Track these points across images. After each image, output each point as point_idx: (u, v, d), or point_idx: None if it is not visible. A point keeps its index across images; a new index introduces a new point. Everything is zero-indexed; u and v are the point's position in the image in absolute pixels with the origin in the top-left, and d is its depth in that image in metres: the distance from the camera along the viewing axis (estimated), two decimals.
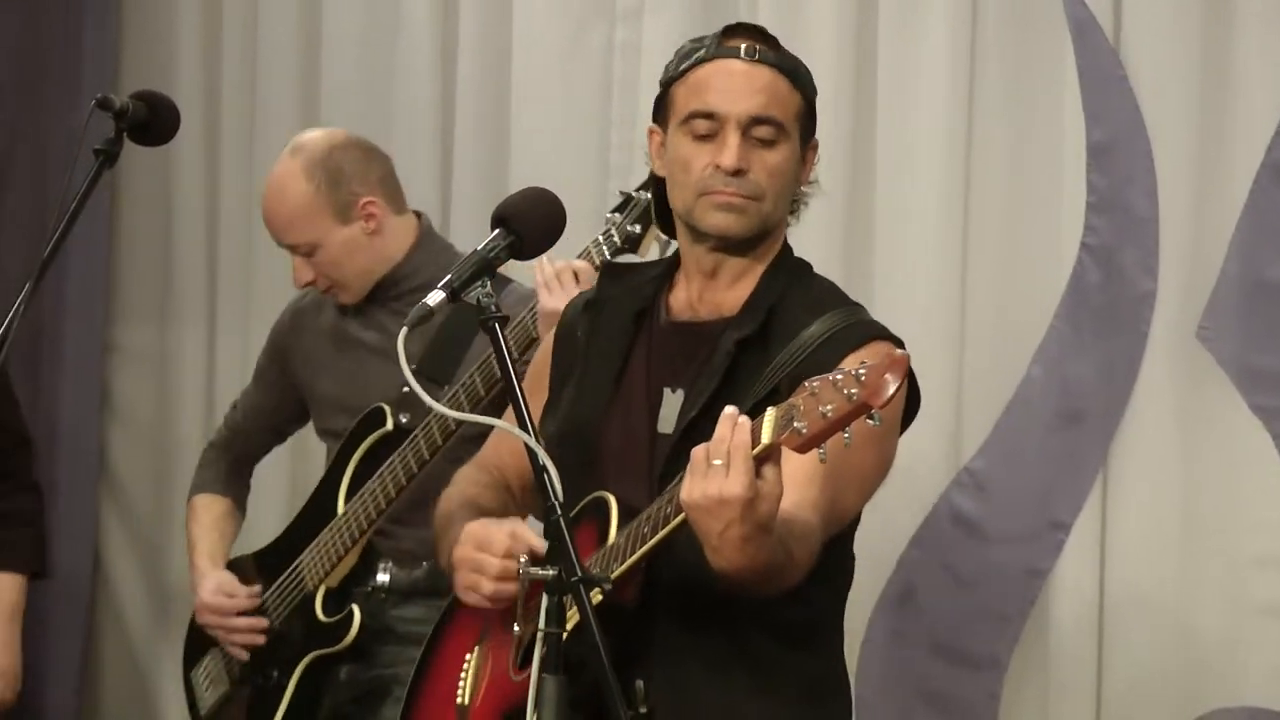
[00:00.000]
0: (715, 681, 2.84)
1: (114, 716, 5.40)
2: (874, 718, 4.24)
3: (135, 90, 3.03)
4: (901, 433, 2.91)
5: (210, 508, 4.17)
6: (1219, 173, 4.02)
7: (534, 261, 3.07)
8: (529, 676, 2.56)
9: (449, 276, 2.66)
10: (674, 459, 2.81)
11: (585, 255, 3.51)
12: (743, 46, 2.90)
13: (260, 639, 3.98)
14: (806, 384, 2.50)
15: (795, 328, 2.87)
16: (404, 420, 3.80)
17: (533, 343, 3.51)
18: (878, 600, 4.26)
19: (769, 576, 2.66)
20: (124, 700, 5.39)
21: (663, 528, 2.68)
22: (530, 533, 2.84)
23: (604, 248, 3.50)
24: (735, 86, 2.87)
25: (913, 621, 4.27)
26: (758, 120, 2.87)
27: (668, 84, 2.94)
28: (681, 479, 2.61)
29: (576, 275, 3.45)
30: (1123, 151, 4.08)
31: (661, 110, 2.96)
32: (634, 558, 2.72)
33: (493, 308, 2.64)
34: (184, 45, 5.22)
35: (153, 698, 5.32)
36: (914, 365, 2.62)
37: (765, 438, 2.53)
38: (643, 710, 2.82)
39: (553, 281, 3.46)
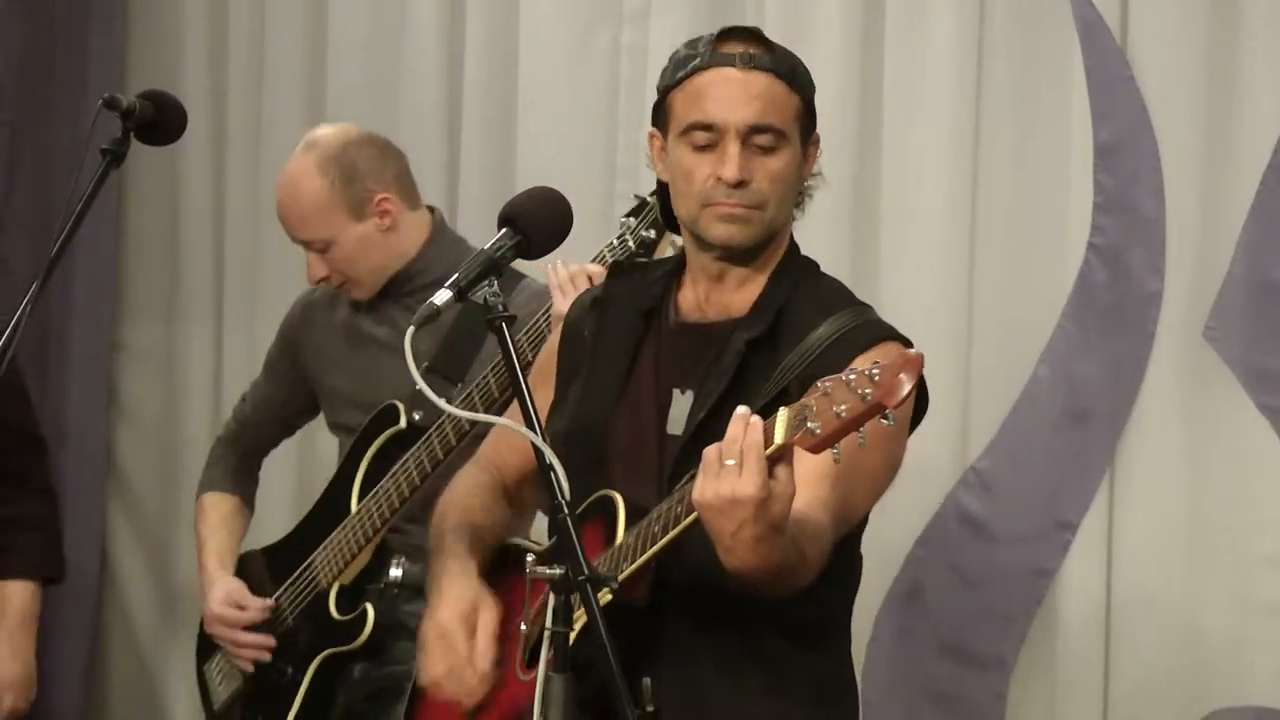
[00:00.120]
0: (727, 681, 2.84)
1: (121, 716, 5.40)
2: (881, 717, 4.24)
3: (141, 90, 3.03)
4: (910, 433, 2.91)
5: (218, 506, 4.17)
6: (1226, 173, 4.02)
7: (547, 264, 3.07)
8: (536, 676, 2.56)
9: (456, 276, 2.66)
10: (683, 460, 2.81)
11: (600, 259, 3.50)
12: (738, 53, 2.87)
13: (266, 655, 3.98)
14: (819, 384, 2.50)
15: (804, 328, 2.86)
16: (417, 418, 3.80)
17: (545, 343, 3.51)
18: (884, 599, 4.26)
19: (781, 576, 2.66)
20: (131, 700, 5.39)
21: (673, 527, 2.68)
22: None
23: (619, 252, 3.50)
24: (732, 96, 2.86)
25: (919, 621, 4.27)
26: (757, 129, 2.86)
27: (665, 91, 2.93)
28: (691, 479, 2.61)
29: (591, 279, 3.44)
30: (1129, 151, 4.08)
31: (660, 116, 2.95)
32: (644, 557, 2.72)
33: (499, 307, 2.64)
34: (190, 47, 5.22)
35: (160, 697, 5.32)
36: None
37: (778, 438, 2.52)
38: (649, 709, 2.82)
39: (567, 285, 3.45)
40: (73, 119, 5.17)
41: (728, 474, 2.54)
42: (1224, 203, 4.02)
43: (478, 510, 3.08)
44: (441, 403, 2.66)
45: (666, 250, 3.47)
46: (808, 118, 2.93)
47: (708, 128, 2.86)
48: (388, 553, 3.87)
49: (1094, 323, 4.10)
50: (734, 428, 2.56)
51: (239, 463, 4.21)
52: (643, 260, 3.39)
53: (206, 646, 4.15)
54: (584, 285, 3.43)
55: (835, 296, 2.96)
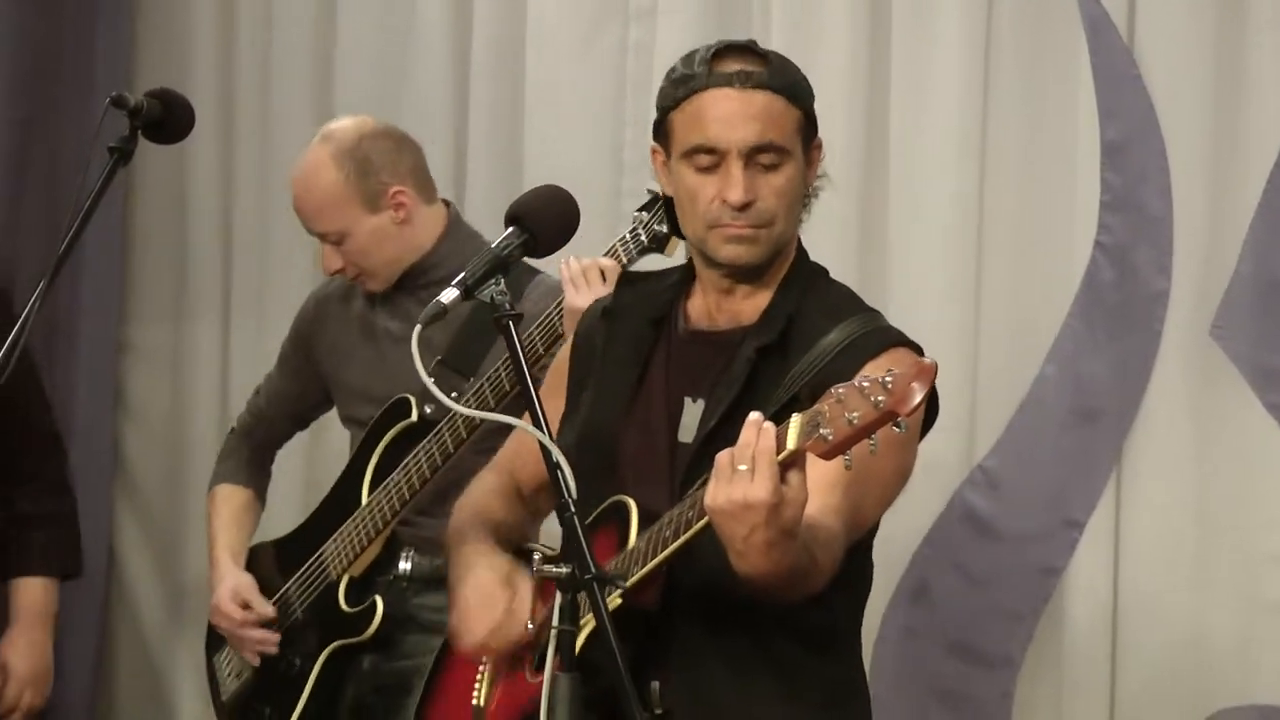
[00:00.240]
0: (737, 686, 2.84)
1: (128, 713, 5.41)
2: (888, 716, 4.22)
3: (149, 89, 3.04)
4: (920, 440, 2.90)
5: (230, 499, 4.19)
6: (1233, 171, 4.03)
7: (560, 259, 3.07)
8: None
9: (463, 274, 2.66)
10: (695, 467, 2.80)
11: (612, 253, 3.50)
12: (734, 72, 2.85)
13: (272, 648, 3.99)
14: (832, 390, 2.49)
15: (814, 335, 2.86)
16: (429, 411, 3.80)
17: (559, 339, 3.51)
18: (891, 598, 4.26)
19: (793, 582, 2.66)
20: (138, 697, 5.40)
21: (685, 532, 2.68)
22: None
23: (631, 246, 3.50)
24: (732, 117, 2.84)
25: (926, 619, 4.27)
26: (759, 149, 2.84)
27: (664, 110, 2.91)
28: (703, 484, 2.61)
29: (603, 273, 3.44)
30: (1137, 150, 4.08)
31: (661, 133, 2.93)
32: (655, 561, 2.72)
33: (506, 305, 2.64)
34: (198, 45, 5.23)
35: (167, 694, 5.33)
36: None
37: (791, 443, 2.52)
38: (658, 712, 2.82)
39: (579, 279, 3.45)
40: (80, 117, 5.17)
41: (740, 479, 2.54)
42: (1231, 201, 4.02)
43: (497, 510, 3.10)
44: (448, 401, 2.66)
45: (679, 246, 3.47)
46: (809, 127, 2.91)
47: (710, 150, 2.85)
48: (398, 545, 3.87)
49: (1101, 321, 4.11)
50: (747, 433, 2.56)
51: (252, 455, 4.22)
52: (651, 270, 3.39)
53: (216, 638, 4.16)
54: (596, 279, 3.43)
55: (845, 303, 2.95)
